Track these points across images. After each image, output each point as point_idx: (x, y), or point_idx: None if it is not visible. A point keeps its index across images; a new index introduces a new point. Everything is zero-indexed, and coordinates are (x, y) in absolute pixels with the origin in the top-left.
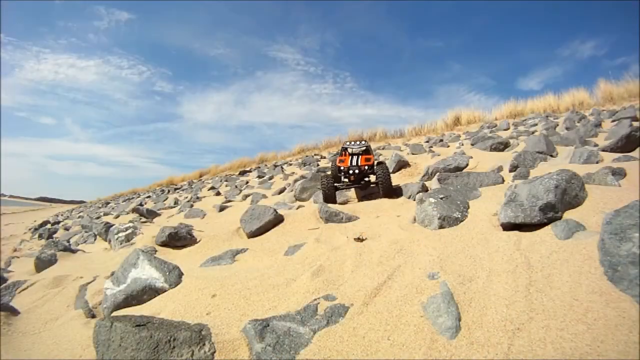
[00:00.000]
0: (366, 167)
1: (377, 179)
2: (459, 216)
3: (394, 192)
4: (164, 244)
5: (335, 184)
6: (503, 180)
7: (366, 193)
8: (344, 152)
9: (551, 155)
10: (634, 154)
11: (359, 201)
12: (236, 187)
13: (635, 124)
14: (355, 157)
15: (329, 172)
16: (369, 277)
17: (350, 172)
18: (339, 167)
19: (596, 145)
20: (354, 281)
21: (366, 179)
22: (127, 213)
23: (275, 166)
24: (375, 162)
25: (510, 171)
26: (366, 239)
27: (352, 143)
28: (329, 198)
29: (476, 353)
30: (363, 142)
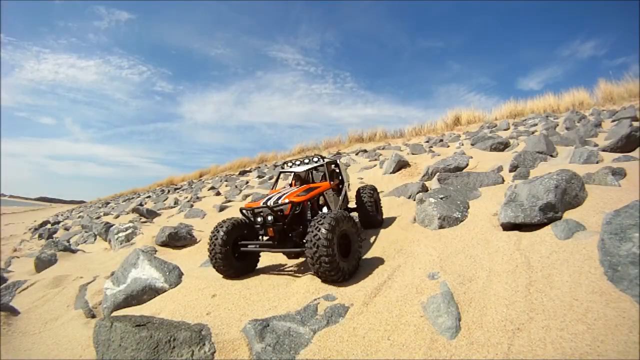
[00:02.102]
0: (296, 208)
1: (358, 209)
2: (459, 216)
3: (376, 223)
4: (164, 244)
5: (241, 242)
6: (503, 180)
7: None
8: (286, 179)
9: (551, 155)
10: (634, 154)
11: None
12: (236, 187)
13: (635, 124)
14: (286, 188)
15: (234, 219)
16: (368, 277)
17: (259, 219)
18: (247, 208)
19: (596, 145)
20: (353, 281)
21: (294, 234)
22: (127, 213)
23: (275, 166)
24: (342, 187)
25: (510, 171)
26: (365, 239)
27: (297, 162)
28: (222, 268)
29: (476, 353)
30: (318, 159)
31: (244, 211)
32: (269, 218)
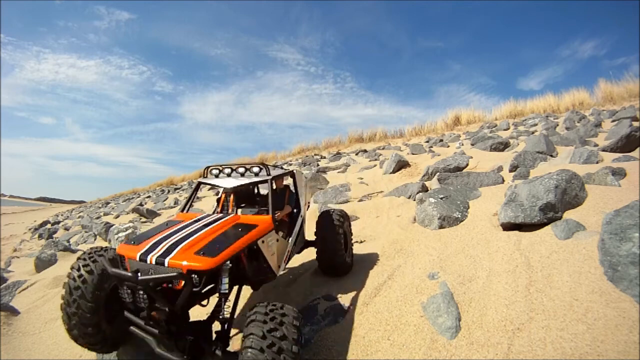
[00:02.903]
0: (197, 281)
1: (317, 246)
2: (459, 216)
3: (341, 270)
4: None
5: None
6: (503, 180)
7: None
8: (195, 193)
9: (551, 155)
10: (634, 154)
11: (359, 201)
12: None
13: (635, 124)
14: (201, 220)
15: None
16: (368, 277)
17: (125, 295)
18: (120, 256)
19: (596, 145)
20: (353, 281)
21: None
22: (127, 213)
23: (275, 166)
24: (297, 215)
25: (510, 171)
26: (365, 240)
27: (229, 170)
28: (84, 339)
29: (476, 353)
30: (261, 169)
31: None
32: (142, 295)
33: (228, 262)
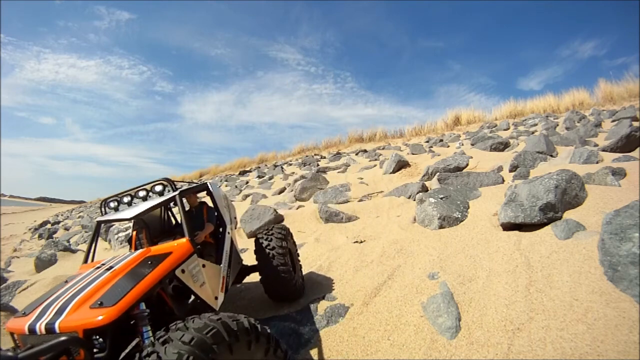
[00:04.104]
0: (88, 347)
1: (259, 268)
2: (459, 216)
3: (291, 294)
4: None
5: None
6: (503, 180)
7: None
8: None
9: (551, 155)
10: (634, 154)
11: (359, 201)
12: (236, 187)
13: (635, 124)
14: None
15: None
16: (368, 277)
17: None
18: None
19: (596, 145)
20: (353, 281)
21: None
22: None
23: (275, 166)
24: (223, 233)
25: (510, 171)
26: (365, 240)
27: (127, 198)
28: None
29: (476, 353)
30: (164, 188)
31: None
32: None
33: (143, 306)
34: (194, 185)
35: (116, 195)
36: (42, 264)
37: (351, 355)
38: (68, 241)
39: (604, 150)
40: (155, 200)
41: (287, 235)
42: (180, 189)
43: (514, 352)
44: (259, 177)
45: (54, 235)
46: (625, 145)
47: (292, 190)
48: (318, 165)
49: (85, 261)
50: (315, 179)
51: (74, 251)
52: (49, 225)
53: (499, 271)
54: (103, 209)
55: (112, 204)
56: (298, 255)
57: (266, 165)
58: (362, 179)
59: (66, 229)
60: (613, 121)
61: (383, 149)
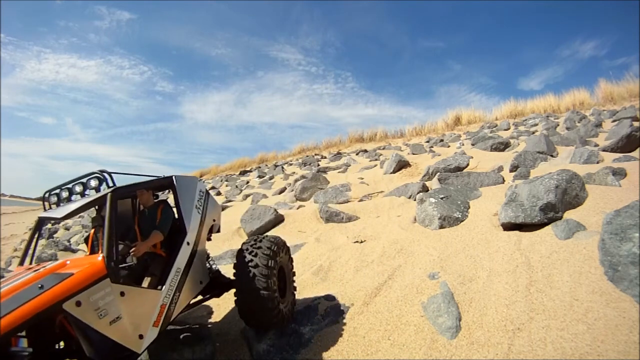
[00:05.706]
0: None
1: (236, 286)
2: (460, 216)
3: (268, 321)
4: None
5: None
6: (503, 180)
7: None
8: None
9: (551, 155)
10: (635, 154)
11: (359, 201)
12: (237, 187)
13: (636, 124)
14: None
15: None
16: (369, 277)
17: None
18: None
19: (596, 145)
20: (354, 281)
21: None
22: None
23: (276, 166)
24: (182, 243)
25: (511, 171)
26: (365, 240)
27: (64, 194)
28: None
29: (476, 353)
30: (99, 181)
31: None
32: None
33: (23, 343)
34: (150, 179)
35: (56, 188)
36: None
37: (351, 355)
38: (68, 241)
39: (604, 150)
40: (83, 200)
41: (278, 251)
42: (114, 187)
43: (514, 352)
44: (259, 177)
45: (55, 235)
46: (626, 145)
47: (292, 190)
48: (318, 165)
49: (22, 262)
50: (315, 178)
51: (74, 251)
52: (49, 225)
53: (499, 271)
54: (45, 204)
55: (52, 199)
56: (293, 275)
57: (266, 165)
58: (362, 179)
59: (66, 228)
60: (613, 121)
61: (383, 149)
